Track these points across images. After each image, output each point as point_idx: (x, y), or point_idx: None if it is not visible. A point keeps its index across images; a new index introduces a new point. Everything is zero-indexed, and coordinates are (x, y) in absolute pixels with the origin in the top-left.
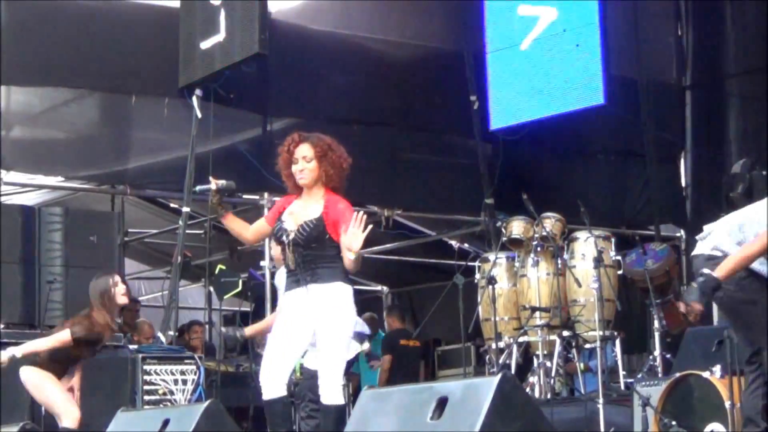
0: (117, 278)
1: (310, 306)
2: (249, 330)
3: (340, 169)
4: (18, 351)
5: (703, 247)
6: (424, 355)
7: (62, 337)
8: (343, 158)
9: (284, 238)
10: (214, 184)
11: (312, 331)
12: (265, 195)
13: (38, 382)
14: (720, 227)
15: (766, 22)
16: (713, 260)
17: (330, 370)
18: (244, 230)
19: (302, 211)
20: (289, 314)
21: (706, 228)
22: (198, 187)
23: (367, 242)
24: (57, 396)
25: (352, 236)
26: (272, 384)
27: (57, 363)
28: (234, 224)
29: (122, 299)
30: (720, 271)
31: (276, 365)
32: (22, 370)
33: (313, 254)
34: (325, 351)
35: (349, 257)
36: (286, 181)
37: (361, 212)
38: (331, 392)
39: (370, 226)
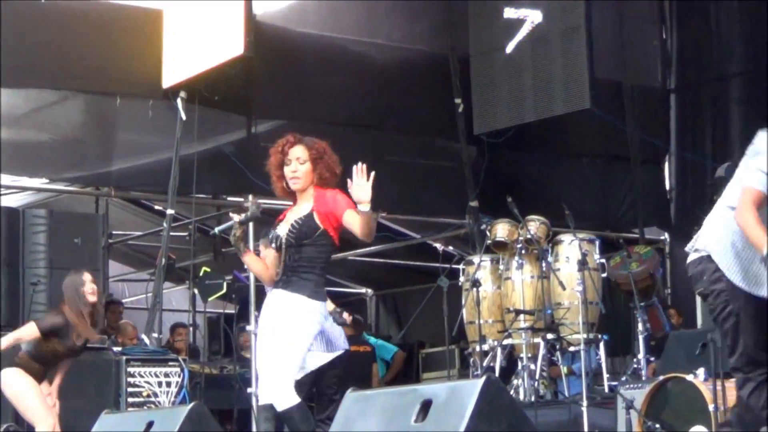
0: (87, 276)
1: (273, 310)
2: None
3: (334, 175)
4: None
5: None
6: (408, 358)
7: (29, 329)
8: (336, 164)
9: (276, 243)
10: (236, 216)
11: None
12: (250, 197)
13: (17, 388)
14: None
15: (750, 26)
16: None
17: (273, 377)
18: (264, 271)
19: (294, 215)
20: (263, 322)
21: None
22: (218, 229)
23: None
24: (34, 402)
25: (358, 188)
26: (283, 394)
27: (38, 363)
28: (254, 265)
29: (91, 298)
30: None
31: (276, 375)
32: (3, 372)
33: (300, 257)
34: (269, 357)
35: (363, 210)
36: (275, 183)
37: (360, 163)
38: (281, 398)
39: (372, 174)
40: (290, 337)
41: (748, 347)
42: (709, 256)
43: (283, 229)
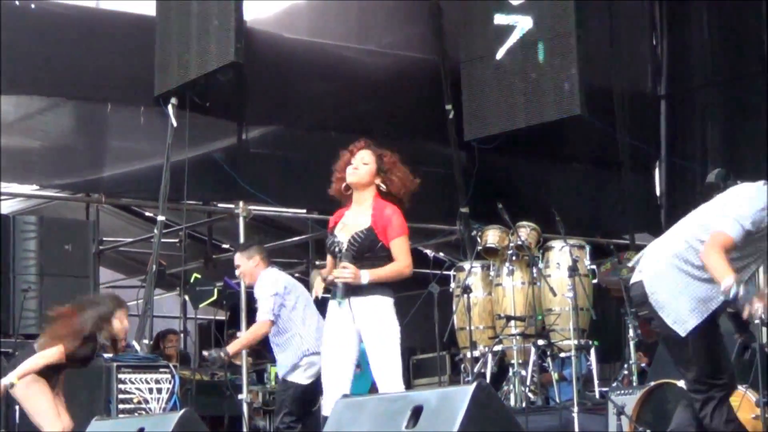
0: (125, 312)
1: (353, 317)
2: (231, 348)
3: (401, 187)
4: (14, 377)
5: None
6: (404, 364)
7: (54, 355)
8: (409, 179)
9: (337, 250)
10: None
11: (358, 341)
12: (240, 203)
13: (30, 392)
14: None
15: (739, 35)
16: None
17: (389, 384)
18: None
19: (353, 221)
20: (334, 327)
21: (636, 257)
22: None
23: None
24: (45, 407)
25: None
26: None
27: (50, 369)
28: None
29: (119, 334)
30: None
31: (335, 383)
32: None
33: (362, 266)
34: (378, 367)
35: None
36: (334, 182)
37: (350, 269)
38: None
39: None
40: (385, 338)
41: (704, 374)
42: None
43: (343, 238)
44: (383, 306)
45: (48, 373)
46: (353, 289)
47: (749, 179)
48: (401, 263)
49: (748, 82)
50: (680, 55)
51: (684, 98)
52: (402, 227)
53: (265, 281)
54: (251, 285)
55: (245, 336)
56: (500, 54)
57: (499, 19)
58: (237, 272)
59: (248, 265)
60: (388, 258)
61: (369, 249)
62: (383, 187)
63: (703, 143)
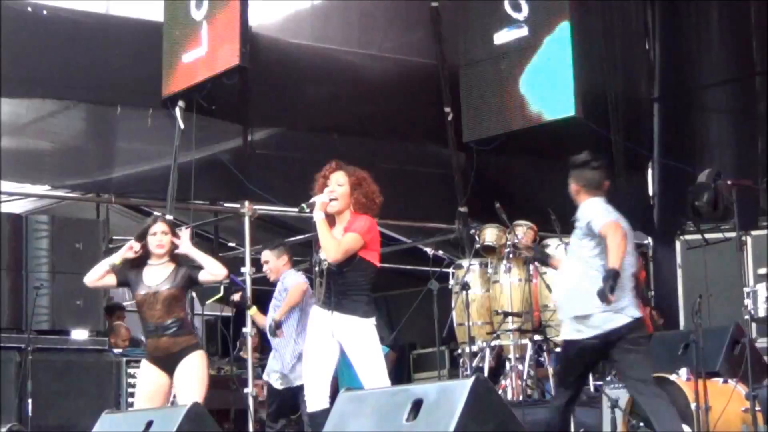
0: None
1: (334, 329)
2: (278, 315)
3: (371, 202)
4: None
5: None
6: (400, 359)
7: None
8: (376, 195)
9: (319, 267)
10: None
11: (337, 349)
12: (246, 203)
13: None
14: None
15: (730, 39)
16: None
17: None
18: None
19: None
20: (317, 332)
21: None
22: None
23: None
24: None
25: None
26: (316, 398)
27: None
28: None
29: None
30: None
31: (316, 381)
32: (201, 354)
33: (345, 281)
34: (368, 384)
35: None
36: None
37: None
38: None
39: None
40: (368, 358)
41: None
42: None
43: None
44: (361, 328)
45: None
46: (336, 303)
47: (738, 179)
48: (336, 245)
49: (738, 85)
50: (672, 59)
51: (676, 101)
52: (359, 228)
53: (292, 279)
54: (275, 281)
55: (288, 300)
56: (497, 58)
57: (496, 25)
58: (264, 268)
59: (277, 264)
60: (369, 268)
61: (348, 263)
62: (360, 201)
63: (694, 145)
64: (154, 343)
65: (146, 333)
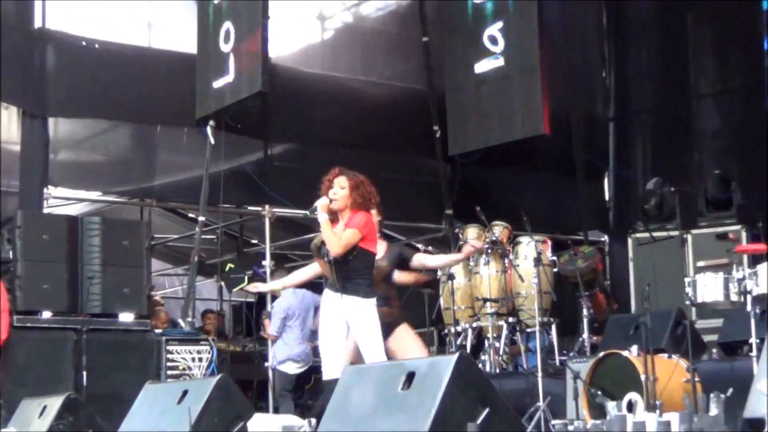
0: None
1: (342, 310)
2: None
3: (368, 202)
4: None
5: None
6: None
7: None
8: (373, 195)
9: (327, 257)
10: None
11: (345, 325)
12: (266, 207)
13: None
14: None
15: (669, 67)
16: None
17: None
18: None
19: (339, 233)
20: (329, 312)
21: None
22: None
23: None
24: None
25: None
26: (331, 368)
27: None
28: None
29: None
30: None
31: (330, 354)
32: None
33: (348, 268)
34: (367, 357)
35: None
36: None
37: None
38: None
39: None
40: (368, 333)
41: None
42: None
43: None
44: (364, 307)
45: None
46: (342, 287)
47: (679, 186)
48: (337, 241)
49: (677, 107)
50: (624, 85)
51: (627, 120)
52: (357, 224)
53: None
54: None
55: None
56: (477, 85)
57: (477, 56)
58: None
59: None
60: (368, 257)
61: (348, 253)
62: (357, 201)
63: (643, 157)
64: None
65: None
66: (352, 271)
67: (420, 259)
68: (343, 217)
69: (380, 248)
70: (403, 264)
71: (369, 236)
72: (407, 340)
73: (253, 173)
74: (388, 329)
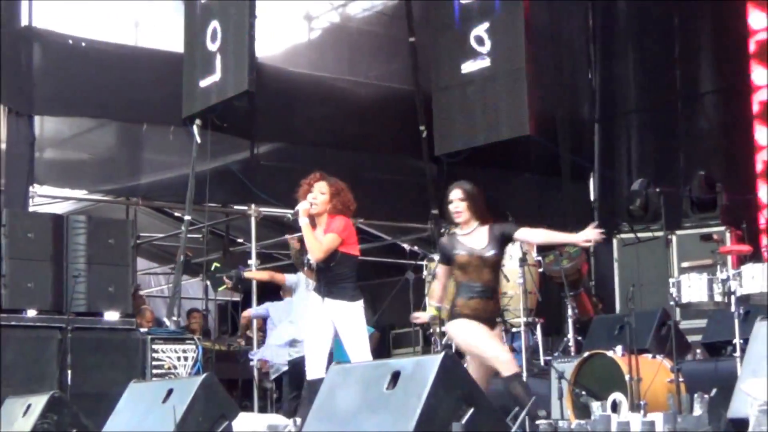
0: None
1: (327, 312)
2: (248, 273)
3: (346, 209)
4: None
5: None
6: (382, 338)
7: None
8: (351, 202)
9: (308, 265)
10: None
11: (332, 328)
12: (252, 206)
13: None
14: None
15: (655, 69)
16: None
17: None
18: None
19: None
20: (314, 315)
21: None
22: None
23: None
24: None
25: None
26: (314, 368)
27: None
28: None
29: None
30: None
31: (314, 354)
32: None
33: (332, 273)
34: (353, 357)
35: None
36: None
37: None
38: None
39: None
40: (355, 335)
41: None
42: None
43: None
44: (350, 311)
45: None
46: (327, 291)
47: (664, 187)
48: (318, 246)
49: (663, 109)
50: (610, 87)
51: (613, 122)
52: (336, 228)
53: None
54: None
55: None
56: (464, 85)
57: (463, 57)
58: None
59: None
60: (351, 260)
61: (331, 258)
62: (337, 207)
63: (628, 159)
64: (479, 303)
65: (470, 293)
66: (335, 276)
67: (524, 235)
68: (321, 222)
69: (482, 236)
70: (507, 242)
71: (349, 239)
72: (496, 333)
73: (239, 172)
74: (491, 324)
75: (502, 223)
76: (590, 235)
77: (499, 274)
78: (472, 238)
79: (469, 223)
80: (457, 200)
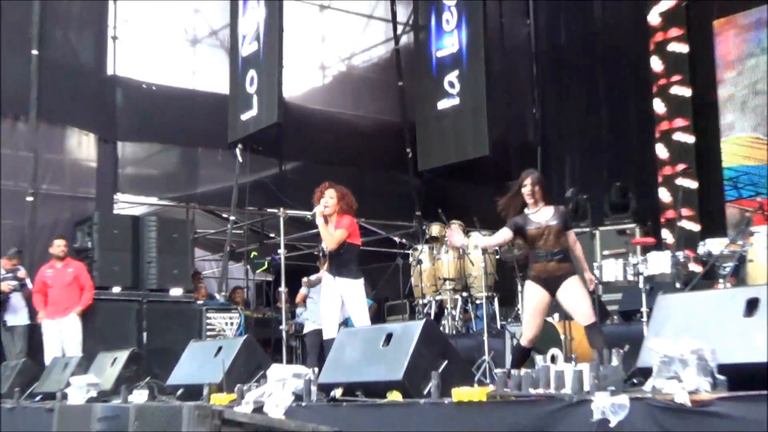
0: None
1: (337, 287)
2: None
3: (350, 208)
4: None
5: None
6: (378, 308)
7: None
8: (354, 203)
9: (322, 253)
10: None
11: (340, 299)
12: (281, 209)
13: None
14: None
15: (583, 102)
16: None
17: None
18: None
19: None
20: (327, 289)
21: None
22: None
23: None
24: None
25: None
26: (329, 330)
27: None
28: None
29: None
30: None
31: (328, 319)
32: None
33: (340, 259)
34: (357, 322)
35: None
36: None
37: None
38: None
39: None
40: (358, 305)
41: None
42: None
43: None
44: (355, 286)
45: None
46: (337, 271)
47: (589, 194)
48: (331, 239)
49: (590, 134)
50: (549, 119)
51: (551, 145)
52: (344, 225)
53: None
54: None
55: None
56: (440, 118)
57: (439, 96)
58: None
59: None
60: (355, 248)
61: (340, 247)
62: (344, 208)
63: (562, 173)
64: (543, 266)
65: (536, 258)
66: (343, 260)
67: (571, 234)
68: (332, 220)
69: (547, 211)
70: (567, 226)
71: (353, 233)
72: (576, 290)
73: (270, 184)
74: (556, 282)
75: (566, 211)
76: (592, 278)
77: (566, 239)
78: (540, 214)
79: (537, 203)
80: (530, 185)
